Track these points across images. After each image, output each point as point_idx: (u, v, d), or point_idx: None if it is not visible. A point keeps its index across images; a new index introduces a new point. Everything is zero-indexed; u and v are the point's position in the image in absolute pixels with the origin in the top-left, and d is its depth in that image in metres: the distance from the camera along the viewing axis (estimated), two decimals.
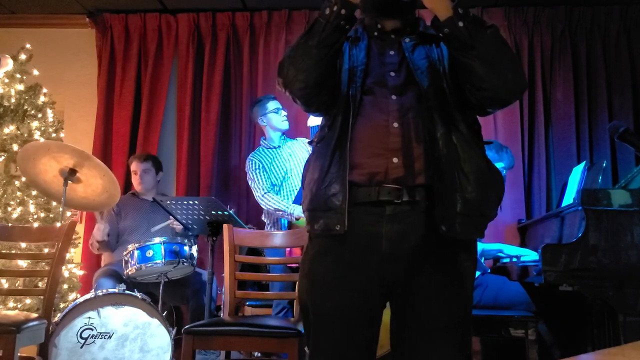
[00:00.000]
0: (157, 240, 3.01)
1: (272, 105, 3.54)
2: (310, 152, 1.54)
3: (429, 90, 1.40)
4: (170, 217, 3.27)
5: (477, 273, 3.09)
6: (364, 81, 1.44)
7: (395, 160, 1.36)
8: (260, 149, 3.57)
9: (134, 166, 3.68)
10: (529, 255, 3.14)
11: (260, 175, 3.41)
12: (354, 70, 1.45)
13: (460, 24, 1.33)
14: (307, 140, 3.34)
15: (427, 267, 1.37)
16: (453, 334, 1.37)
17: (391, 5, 1.49)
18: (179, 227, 3.36)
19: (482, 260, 3.27)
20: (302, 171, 1.53)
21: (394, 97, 1.42)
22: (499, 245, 3.33)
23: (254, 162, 3.48)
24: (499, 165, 3.32)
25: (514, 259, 3.22)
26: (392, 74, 1.45)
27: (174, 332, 2.73)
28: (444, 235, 1.33)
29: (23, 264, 3.15)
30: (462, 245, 1.41)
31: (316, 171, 1.42)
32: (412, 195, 1.36)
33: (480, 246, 3.17)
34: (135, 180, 3.68)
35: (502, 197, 1.47)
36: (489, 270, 3.27)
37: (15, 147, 3.32)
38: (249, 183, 3.53)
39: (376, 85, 1.43)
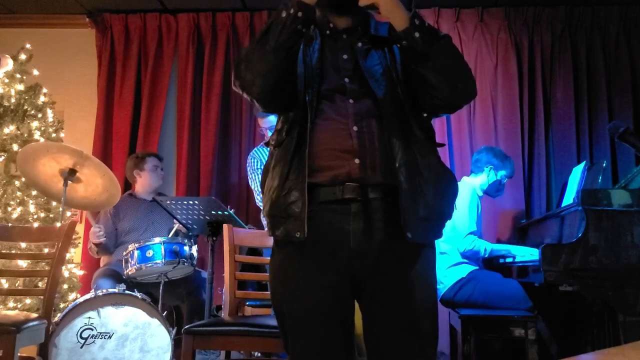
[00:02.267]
0: (157, 240, 3.01)
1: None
2: (267, 155, 1.54)
3: (385, 98, 1.43)
4: (175, 220, 3.28)
5: (472, 268, 3.13)
6: (320, 87, 1.45)
7: (357, 161, 1.39)
8: (259, 149, 3.55)
9: (156, 162, 3.68)
10: (534, 255, 3.14)
11: (259, 175, 3.42)
12: (309, 74, 1.46)
13: (417, 34, 1.35)
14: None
15: (393, 262, 1.40)
16: (421, 326, 1.40)
17: (344, 3, 1.49)
18: (184, 229, 3.37)
19: (481, 260, 3.30)
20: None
21: (351, 101, 1.44)
22: (507, 247, 3.35)
23: (255, 160, 3.48)
24: (502, 173, 3.38)
25: (516, 259, 3.23)
26: (347, 79, 1.46)
27: (174, 332, 2.73)
28: (410, 241, 1.36)
29: (23, 264, 3.15)
30: (425, 244, 1.45)
31: (276, 178, 1.43)
32: (374, 193, 1.39)
33: (490, 246, 3.19)
34: (155, 176, 3.66)
35: (457, 195, 1.51)
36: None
37: (15, 147, 3.32)
38: (249, 180, 3.52)
39: (333, 91, 1.45)
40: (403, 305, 1.39)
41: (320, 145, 1.40)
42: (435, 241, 1.52)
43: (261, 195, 3.42)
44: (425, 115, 1.50)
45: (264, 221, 3.51)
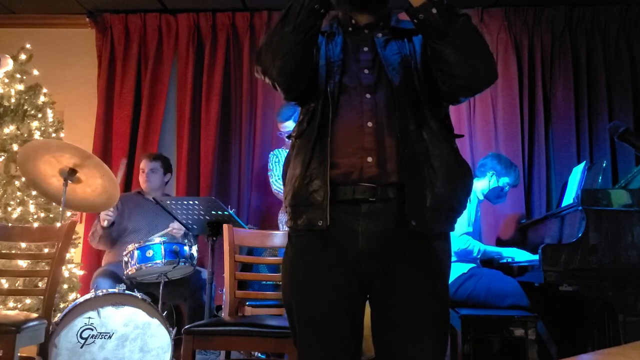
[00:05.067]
0: (157, 240, 3.01)
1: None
2: (289, 147, 1.55)
3: (401, 86, 1.42)
4: (171, 224, 3.29)
5: (472, 265, 3.15)
6: (342, 78, 1.46)
7: (369, 159, 1.38)
8: (279, 150, 3.69)
9: (142, 164, 3.68)
10: (525, 257, 3.18)
11: (278, 167, 3.58)
12: (331, 65, 1.47)
13: (434, 10, 1.34)
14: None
15: (403, 262, 1.39)
16: (431, 326, 1.39)
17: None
18: (178, 234, 3.37)
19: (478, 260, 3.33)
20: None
21: (368, 95, 1.44)
22: (500, 249, 3.38)
23: (274, 155, 3.66)
24: (504, 180, 3.40)
25: (509, 259, 3.26)
26: (366, 71, 1.46)
27: (174, 332, 2.73)
28: (414, 230, 1.35)
29: (23, 264, 3.15)
30: (436, 239, 1.44)
31: (297, 167, 1.44)
32: (386, 193, 1.39)
33: (483, 247, 3.23)
34: (141, 178, 3.67)
35: (471, 190, 1.49)
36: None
37: (15, 147, 3.32)
38: (268, 175, 3.66)
39: (351, 84, 1.46)
40: (413, 306, 1.38)
41: (334, 143, 1.41)
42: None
43: (276, 177, 3.58)
44: (444, 104, 1.49)
45: (280, 217, 3.56)
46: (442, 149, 1.41)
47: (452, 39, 1.34)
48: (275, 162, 3.64)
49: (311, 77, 1.46)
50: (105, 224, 3.39)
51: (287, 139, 3.49)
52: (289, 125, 3.45)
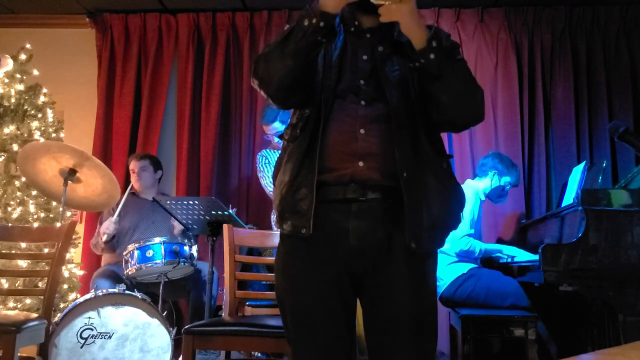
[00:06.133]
0: (157, 240, 3.01)
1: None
2: (281, 148, 1.57)
3: (398, 105, 1.44)
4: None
5: (472, 265, 3.16)
6: (337, 85, 1.46)
7: (361, 164, 1.41)
8: (267, 150, 3.66)
9: (132, 165, 3.70)
10: (525, 256, 3.18)
11: (269, 168, 3.56)
12: (327, 72, 1.48)
13: (432, 56, 1.36)
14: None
15: (392, 261, 1.42)
16: (421, 323, 1.42)
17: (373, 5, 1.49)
18: (178, 228, 3.36)
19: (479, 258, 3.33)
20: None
21: (363, 103, 1.45)
22: (500, 246, 3.38)
23: (263, 157, 3.62)
24: (506, 179, 3.41)
25: (509, 259, 3.26)
26: (362, 82, 1.47)
27: (174, 332, 2.73)
28: (413, 252, 1.39)
29: (23, 264, 3.15)
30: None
31: (287, 173, 1.46)
32: (375, 193, 1.42)
33: (484, 246, 3.23)
34: (133, 178, 3.69)
35: (464, 206, 1.53)
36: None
37: (15, 147, 3.32)
38: (259, 176, 3.63)
39: (347, 92, 1.47)
40: (403, 303, 1.41)
41: (328, 148, 1.43)
42: None
43: (270, 180, 3.56)
44: (435, 129, 1.52)
45: (273, 217, 3.56)
46: (437, 169, 1.45)
47: (444, 84, 1.39)
48: (265, 163, 3.61)
49: (308, 89, 1.47)
50: (105, 238, 3.40)
51: (276, 140, 3.52)
52: (277, 126, 3.44)
